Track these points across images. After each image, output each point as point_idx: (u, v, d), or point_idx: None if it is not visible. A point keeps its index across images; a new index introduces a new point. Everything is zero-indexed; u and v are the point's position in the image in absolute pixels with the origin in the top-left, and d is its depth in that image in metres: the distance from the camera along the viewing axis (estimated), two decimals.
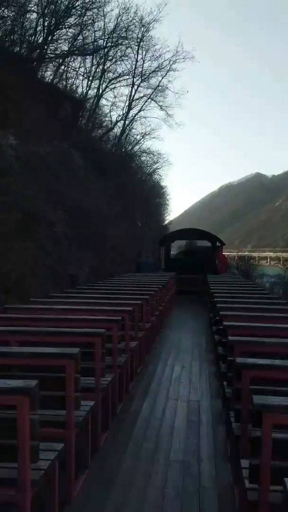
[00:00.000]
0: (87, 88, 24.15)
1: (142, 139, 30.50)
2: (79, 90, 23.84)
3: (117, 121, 27.19)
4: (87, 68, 23.24)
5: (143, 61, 25.92)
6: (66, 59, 20.61)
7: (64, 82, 21.95)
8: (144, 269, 15.53)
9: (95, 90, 24.46)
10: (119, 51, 23.93)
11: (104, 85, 24.88)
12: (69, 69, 22.02)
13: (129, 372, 5.32)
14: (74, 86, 23.15)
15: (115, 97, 27.21)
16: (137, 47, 25.10)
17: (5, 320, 4.54)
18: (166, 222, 45.62)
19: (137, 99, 27.26)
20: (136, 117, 27.99)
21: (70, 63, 21.61)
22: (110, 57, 23.95)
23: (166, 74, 26.75)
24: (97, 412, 3.66)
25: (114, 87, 25.82)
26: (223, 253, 18.90)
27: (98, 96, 24.81)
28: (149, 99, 27.58)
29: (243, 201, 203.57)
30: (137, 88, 26.89)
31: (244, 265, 22.82)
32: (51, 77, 20.11)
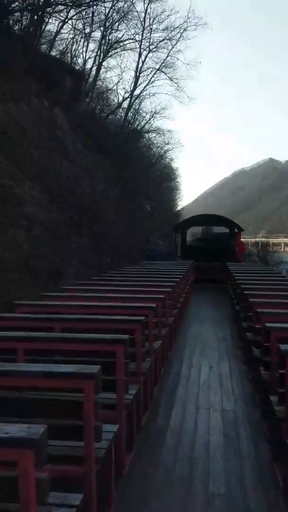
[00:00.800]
0: (85, 55, 20.89)
1: (152, 118, 27.93)
2: (79, 61, 21.13)
3: (124, 99, 24.41)
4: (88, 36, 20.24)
5: (151, 29, 23.18)
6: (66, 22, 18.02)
7: (64, 52, 19.26)
8: (158, 257, 14.90)
9: (96, 58, 21.41)
10: (122, 11, 20.40)
11: (105, 49, 21.41)
12: (68, 34, 19.43)
13: (153, 375, 4.72)
14: (74, 56, 20.37)
15: (120, 69, 25.51)
16: (143, 14, 22.37)
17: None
18: (179, 208, 44.15)
19: (145, 70, 24.43)
20: (145, 93, 25.24)
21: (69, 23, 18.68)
22: (112, 19, 20.52)
23: (176, 43, 23.68)
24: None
25: (118, 53, 22.60)
26: (241, 240, 18.24)
27: (99, 65, 21.78)
28: (158, 71, 24.73)
29: (256, 187, 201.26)
30: (145, 59, 24.10)
31: (261, 252, 22.12)
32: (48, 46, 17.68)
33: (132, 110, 25.71)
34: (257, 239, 49.16)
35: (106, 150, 19.05)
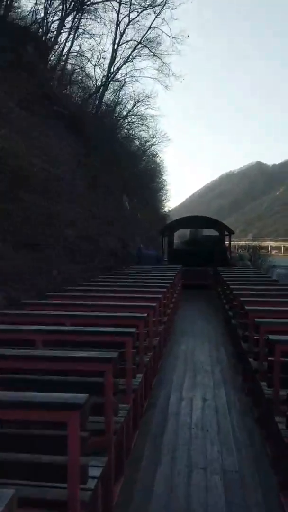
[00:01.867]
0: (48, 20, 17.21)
1: (134, 108, 25.43)
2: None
3: (102, 83, 20.66)
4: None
5: None
6: None
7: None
8: (146, 261, 13.60)
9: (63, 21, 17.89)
10: None
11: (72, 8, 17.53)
12: None
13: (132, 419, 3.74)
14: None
15: (95, 40, 21.24)
16: None
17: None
18: (166, 210, 43.50)
19: (124, 43, 21.41)
20: (125, 77, 22.51)
21: None
22: None
23: (160, 12, 20.77)
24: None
25: (91, 20, 18.93)
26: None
27: (71, 30, 18.33)
28: (140, 45, 21.49)
29: (243, 190, 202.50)
30: (124, 30, 20.96)
31: (253, 256, 21.16)
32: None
33: (111, 95, 22.92)
34: (245, 243, 49.18)
35: (70, 124, 15.49)
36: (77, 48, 20.10)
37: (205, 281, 13.69)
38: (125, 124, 26.63)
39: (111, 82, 22.85)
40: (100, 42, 23.40)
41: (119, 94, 24.37)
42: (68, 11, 18.20)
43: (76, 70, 20.36)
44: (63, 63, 19.43)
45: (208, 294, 12.74)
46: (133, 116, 26.73)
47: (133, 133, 27.88)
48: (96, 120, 19.32)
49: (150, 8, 20.97)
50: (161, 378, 5.66)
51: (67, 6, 17.87)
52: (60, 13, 18.07)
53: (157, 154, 32.91)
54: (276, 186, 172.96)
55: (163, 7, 21.08)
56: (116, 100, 24.35)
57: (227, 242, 16.36)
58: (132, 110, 26.24)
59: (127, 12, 20.86)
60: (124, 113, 26.42)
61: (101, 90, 21.62)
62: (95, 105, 21.37)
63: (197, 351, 7.03)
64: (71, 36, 18.96)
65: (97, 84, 21.69)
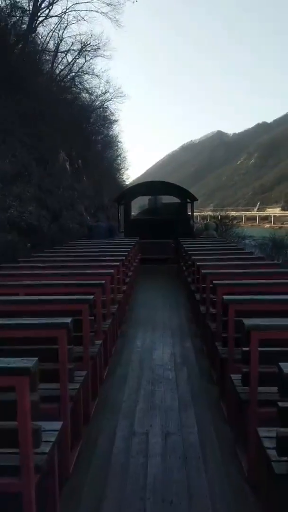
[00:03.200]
0: None
1: (81, 54, 20.98)
2: None
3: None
4: None
5: None
6: None
7: None
8: (97, 234, 11.51)
9: None
10: None
11: None
12: None
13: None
14: None
15: None
16: None
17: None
18: (124, 179, 39.58)
19: None
20: (67, 16, 18.82)
21: None
22: None
23: None
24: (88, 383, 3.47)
25: None
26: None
27: None
28: None
29: (204, 160, 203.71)
30: None
31: (220, 226, 18.64)
32: None
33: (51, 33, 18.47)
34: (207, 213, 48.85)
35: None
36: None
37: (166, 254, 12.22)
38: (69, 73, 21.67)
39: (47, 19, 18.81)
40: None
41: (60, 34, 19.78)
42: None
43: None
44: None
45: (168, 269, 11.58)
46: (79, 63, 22.12)
47: (79, 81, 22.46)
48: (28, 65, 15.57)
49: None
50: (120, 346, 5.51)
51: None
52: None
53: (111, 112, 27.96)
54: (237, 156, 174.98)
55: None
56: (56, 41, 19.65)
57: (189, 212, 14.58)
58: (78, 55, 21.52)
59: None
60: (69, 58, 21.39)
61: (30, 28, 17.45)
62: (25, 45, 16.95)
63: (157, 344, 5.54)
64: None
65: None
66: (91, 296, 3.64)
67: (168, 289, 9.42)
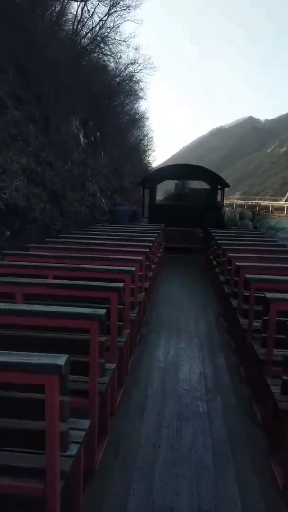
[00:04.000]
0: None
1: (108, 16, 18.19)
2: None
3: None
4: None
5: None
6: None
7: None
8: (120, 219, 10.55)
9: None
10: None
11: None
12: None
13: None
14: None
15: None
16: None
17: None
18: (150, 161, 36.19)
19: None
20: None
21: None
22: None
23: None
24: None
25: None
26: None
27: None
28: None
29: (234, 146, 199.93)
30: None
31: (257, 216, 16.76)
32: None
33: None
34: (234, 201, 47.18)
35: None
36: None
37: (192, 244, 11.18)
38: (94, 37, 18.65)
39: None
40: None
41: None
42: None
43: None
44: None
45: (196, 260, 10.47)
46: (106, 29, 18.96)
47: (104, 47, 19.20)
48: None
49: None
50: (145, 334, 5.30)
51: None
52: None
53: (139, 80, 23.71)
54: (268, 143, 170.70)
55: None
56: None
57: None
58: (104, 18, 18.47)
59: None
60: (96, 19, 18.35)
61: None
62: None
63: (183, 355, 4.78)
64: None
65: None
66: (122, 284, 3.47)
67: (195, 285, 8.40)
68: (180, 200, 13.27)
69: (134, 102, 25.95)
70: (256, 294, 3.80)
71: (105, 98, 18.72)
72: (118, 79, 21.47)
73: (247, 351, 3.81)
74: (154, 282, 7.28)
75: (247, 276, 4.03)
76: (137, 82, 23.29)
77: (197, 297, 7.45)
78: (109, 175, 16.44)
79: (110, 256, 4.97)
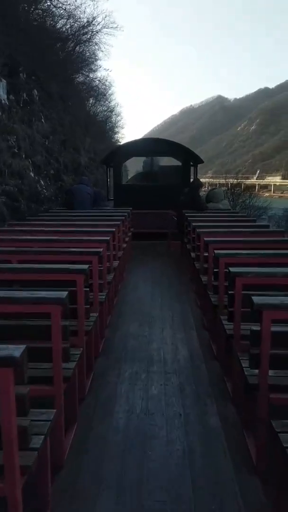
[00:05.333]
0: None
1: None
2: None
3: None
4: None
5: None
6: None
7: None
8: (79, 203, 8.74)
9: None
10: None
11: None
12: None
13: None
14: None
15: None
16: None
17: None
18: (119, 141, 31.88)
19: None
20: None
21: None
22: None
23: None
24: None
25: None
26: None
27: None
28: None
29: (203, 125, 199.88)
30: None
31: (232, 196, 15.44)
32: None
33: None
34: (208, 180, 46.68)
35: None
36: None
37: (165, 229, 9.67)
38: None
39: None
40: None
41: None
42: None
43: None
44: None
45: (168, 250, 9.34)
46: None
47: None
48: None
49: None
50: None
51: None
52: None
53: (97, 43, 19.25)
54: (237, 122, 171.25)
55: None
56: None
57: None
58: None
59: None
60: None
61: None
62: None
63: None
64: None
65: None
66: (101, 249, 3.75)
67: (170, 282, 6.85)
68: (149, 180, 11.72)
69: (93, 65, 21.23)
70: (226, 270, 3.61)
71: (52, 49, 14.39)
72: (71, 33, 17.06)
73: (217, 327, 3.85)
74: (116, 286, 5.88)
75: (216, 252, 3.99)
76: (96, 43, 19.03)
77: (174, 302, 5.77)
78: (54, 148, 11.79)
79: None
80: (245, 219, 7.85)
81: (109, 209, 9.43)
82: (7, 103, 9.27)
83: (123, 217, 7.09)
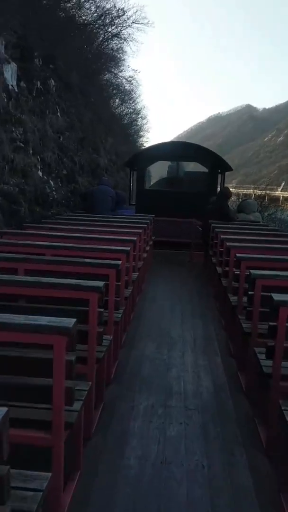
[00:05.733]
0: None
1: None
2: None
3: None
4: None
5: None
6: None
7: None
8: (98, 205, 8.12)
9: None
10: None
11: None
12: None
13: None
14: None
15: None
16: None
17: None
18: (144, 145, 30.36)
19: None
20: None
21: None
22: None
23: None
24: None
25: None
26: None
27: None
28: None
29: (231, 134, 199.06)
30: None
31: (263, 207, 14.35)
32: None
33: None
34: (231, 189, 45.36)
35: None
36: None
37: (188, 238, 9.23)
38: None
39: None
40: None
41: None
42: None
43: None
44: None
45: (192, 260, 8.99)
46: None
47: None
48: None
49: None
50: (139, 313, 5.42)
51: None
52: None
53: (126, 39, 17.82)
54: (265, 132, 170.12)
55: None
56: None
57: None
58: None
59: None
60: None
61: None
62: None
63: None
64: None
65: None
66: (119, 262, 3.65)
67: (192, 297, 6.45)
68: (174, 186, 11.23)
69: (120, 62, 19.87)
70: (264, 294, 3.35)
71: (76, 38, 13.24)
72: (99, 25, 15.83)
73: (249, 359, 3.60)
74: (138, 290, 5.93)
75: (252, 272, 3.49)
76: (125, 39, 17.64)
77: (196, 324, 5.31)
78: (69, 146, 10.49)
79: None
80: (280, 233, 7.06)
81: (131, 215, 8.80)
82: (16, 90, 8.10)
83: (146, 225, 6.67)
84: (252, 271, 3.45)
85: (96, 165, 13.06)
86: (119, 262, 3.68)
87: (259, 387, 3.11)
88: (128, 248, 4.31)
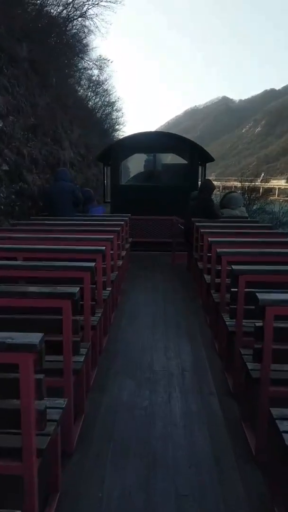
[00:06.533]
0: None
1: None
2: None
3: None
4: None
5: None
6: None
7: None
8: (58, 206, 7.17)
9: None
10: None
11: None
12: None
13: None
14: None
15: None
16: None
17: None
18: (118, 135, 28.52)
19: None
20: None
21: None
22: None
23: None
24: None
25: None
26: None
27: None
28: None
29: (208, 126, 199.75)
30: None
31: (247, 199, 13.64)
32: None
33: None
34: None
35: None
36: None
37: (170, 237, 8.41)
38: None
39: None
40: None
41: None
42: None
43: None
44: None
45: (173, 264, 8.04)
46: None
47: None
48: None
49: None
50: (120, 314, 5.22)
51: None
52: None
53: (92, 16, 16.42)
54: (242, 124, 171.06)
55: None
56: None
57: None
58: None
59: None
60: None
61: None
62: None
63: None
64: None
65: None
66: (93, 264, 3.41)
67: (177, 310, 5.44)
68: (151, 181, 10.20)
69: (88, 44, 17.70)
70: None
71: (25, 5, 11.45)
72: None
73: (220, 324, 3.66)
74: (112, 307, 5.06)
75: (260, 298, 2.46)
76: (90, 18, 15.96)
77: (179, 334, 4.66)
78: (13, 134, 8.02)
79: None
80: (273, 232, 6.16)
81: (102, 215, 7.94)
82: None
83: (119, 227, 5.65)
84: (234, 266, 3.25)
85: (56, 159, 10.95)
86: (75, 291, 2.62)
87: (246, 390, 2.92)
88: (92, 265, 3.28)
